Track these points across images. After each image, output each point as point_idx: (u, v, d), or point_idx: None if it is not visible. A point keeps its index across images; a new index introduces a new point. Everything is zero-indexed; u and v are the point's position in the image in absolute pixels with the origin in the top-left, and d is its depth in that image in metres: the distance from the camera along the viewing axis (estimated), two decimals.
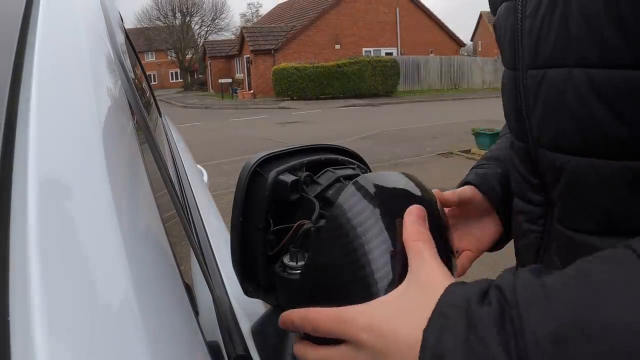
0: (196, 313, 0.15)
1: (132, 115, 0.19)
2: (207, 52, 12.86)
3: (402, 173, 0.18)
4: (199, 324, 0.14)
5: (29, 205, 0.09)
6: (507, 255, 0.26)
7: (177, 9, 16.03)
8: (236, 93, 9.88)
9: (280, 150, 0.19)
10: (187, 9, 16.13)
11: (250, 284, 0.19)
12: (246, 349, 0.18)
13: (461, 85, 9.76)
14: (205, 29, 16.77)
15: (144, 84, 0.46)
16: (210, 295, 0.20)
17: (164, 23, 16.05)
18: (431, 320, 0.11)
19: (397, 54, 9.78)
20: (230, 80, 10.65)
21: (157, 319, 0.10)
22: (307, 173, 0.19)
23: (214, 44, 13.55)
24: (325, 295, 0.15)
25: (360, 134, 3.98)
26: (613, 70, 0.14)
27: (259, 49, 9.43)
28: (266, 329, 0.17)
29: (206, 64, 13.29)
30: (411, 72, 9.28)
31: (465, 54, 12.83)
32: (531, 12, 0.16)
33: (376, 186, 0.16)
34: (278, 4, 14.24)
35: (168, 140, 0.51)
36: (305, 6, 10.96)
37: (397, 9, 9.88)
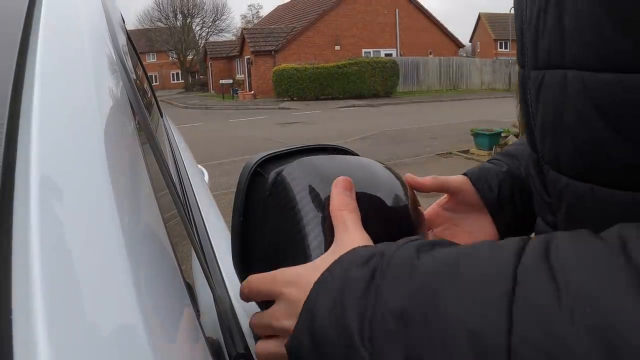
0: (197, 312, 0.15)
1: (134, 115, 0.19)
2: (208, 53, 12.90)
3: (377, 162, 0.18)
4: (200, 322, 0.14)
5: (31, 205, 0.10)
6: None
7: (178, 10, 16.10)
8: (237, 94, 9.91)
9: (281, 151, 0.19)
10: (188, 10, 16.20)
11: None
12: (247, 347, 0.18)
13: (460, 86, 9.76)
14: (206, 30, 16.85)
15: (146, 85, 0.47)
16: (211, 294, 0.20)
17: (165, 24, 16.11)
18: (320, 276, 0.11)
19: (397, 55, 9.82)
20: (231, 81, 10.69)
21: (158, 318, 0.10)
22: None
23: (214, 45, 13.61)
24: (275, 259, 0.15)
25: (360, 135, 3.98)
26: (610, 74, 0.11)
27: (259, 50, 9.47)
28: None
29: (207, 64, 13.35)
30: (410, 73, 9.30)
31: (464, 55, 12.76)
32: (530, 3, 0.14)
33: (322, 165, 0.17)
34: (278, 6, 14.37)
35: (169, 141, 0.51)
36: (305, 8, 10.99)
37: (397, 10, 9.92)
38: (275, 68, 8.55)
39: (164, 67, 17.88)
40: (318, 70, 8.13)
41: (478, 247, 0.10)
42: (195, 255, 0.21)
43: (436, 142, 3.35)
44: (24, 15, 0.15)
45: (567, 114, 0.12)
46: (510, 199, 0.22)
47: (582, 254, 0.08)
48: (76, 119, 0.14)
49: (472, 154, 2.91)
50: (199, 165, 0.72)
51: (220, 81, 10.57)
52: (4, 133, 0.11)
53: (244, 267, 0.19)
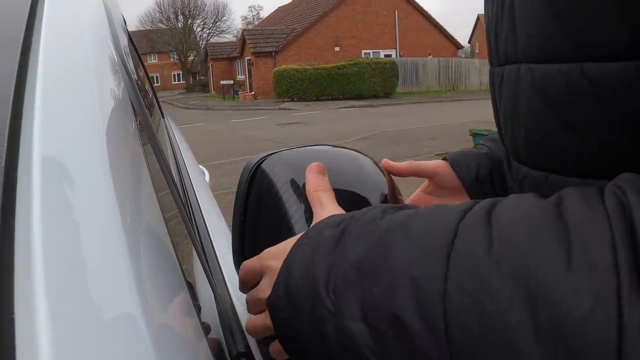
0: (198, 310, 0.15)
1: (135, 116, 0.19)
2: (209, 54, 12.93)
3: (357, 152, 0.19)
4: (200, 321, 0.14)
5: (33, 205, 0.10)
6: None
7: (179, 11, 16.16)
8: (237, 94, 9.95)
9: (281, 151, 0.20)
10: (189, 11, 16.25)
11: None
12: (247, 346, 0.18)
13: (459, 86, 9.79)
14: (207, 32, 16.93)
15: (147, 86, 0.47)
16: (212, 293, 0.20)
17: (166, 25, 16.17)
18: (298, 240, 0.12)
19: (396, 56, 9.84)
20: (231, 81, 10.73)
21: (159, 317, 0.10)
22: None
23: (215, 46, 13.64)
24: (265, 240, 0.16)
25: (360, 135, 3.99)
26: (552, 64, 0.11)
27: (260, 51, 9.50)
28: None
29: (208, 65, 13.39)
30: (410, 74, 9.33)
31: (463, 55, 12.77)
32: (491, 4, 0.15)
33: (298, 157, 0.18)
34: (279, 7, 14.33)
35: (170, 141, 0.51)
36: (305, 9, 11.03)
37: (396, 11, 9.95)
38: (275, 69, 8.58)
39: (165, 68, 17.94)
40: (318, 71, 8.16)
41: (435, 207, 0.10)
42: (196, 255, 0.21)
43: (435, 142, 3.34)
44: (27, 16, 0.15)
45: (521, 106, 0.13)
46: (489, 180, 0.22)
47: (519, 209, 0.09)
48: (78, 120, 0.14)
49: None
50: (200, 166, 0.72)
51: (221, 82, 10.60)
52: (7, 133, 0.11)
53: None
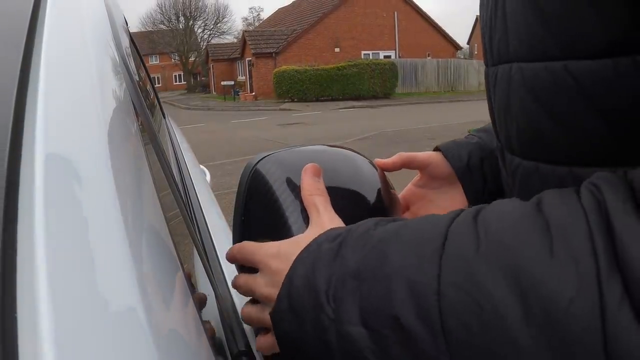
0: (199, 310, 0.15)
1: (137, 116, 0.20)
2: (210, 55, 12.99)
3: (350, 150, 0.20)
4: (202, 320, 0.14)
5: (35, 204, 0.10)
6: None
7: (180, 13, 16.20)
8: (238, 95, 9.97)
9: (279, 152, 0.20)
10: (190, 13, 16.32)
11: None
12: (248, 345, 0.18)
13: (458, 87, 9.81)
14: (208, 33, 16.99)
15: (148, 86, 0.47)
16: (213, 293, 0.20)
17: (167, 27, 16.22)
18: (299, 253, 0.13)
19: (395, 57, 9.87)
20: (232, 82, 10.72)
21: (161, 316, 0.10)
22: None
23: (216, 47, 13.69)
24: (264, 240, 0.17)
25: (360, 135, 3.99)
26: (540, 63, 0.12)
27: (260, 52, 9.54)
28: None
29: (209, 66, 13.43)
30: (409, 75, 9.35)
31: (462, 56, 12.75)
32: (485, 7, 0.16)
33: (294, 158, 0.19)
34: (279, 8, 14.36)
35: (172, 141, 0.52)
36: (305, 10, 11.08)
37: (395, 13, 9.99)
38: (276, 70, 8.60)
39: (167, 69, 18.02)
40: (318, 72, 8.18)
41: (424, 217, 0.11)
42: (197, 254, 0.21)
43: (435, 142, 3.26)
44: (29, 18, 0.15)
45: (513, 103, 0.14)
46: (479, 168, 0.22)
47: (503, 211, 0.10)
48: (80, 120, 0.14)
49: None
50: (201, 166, 0.72)
51: (222, 83, 10.64)
52: (9, 133, 0.11)
53: (245, 265, 0.19)
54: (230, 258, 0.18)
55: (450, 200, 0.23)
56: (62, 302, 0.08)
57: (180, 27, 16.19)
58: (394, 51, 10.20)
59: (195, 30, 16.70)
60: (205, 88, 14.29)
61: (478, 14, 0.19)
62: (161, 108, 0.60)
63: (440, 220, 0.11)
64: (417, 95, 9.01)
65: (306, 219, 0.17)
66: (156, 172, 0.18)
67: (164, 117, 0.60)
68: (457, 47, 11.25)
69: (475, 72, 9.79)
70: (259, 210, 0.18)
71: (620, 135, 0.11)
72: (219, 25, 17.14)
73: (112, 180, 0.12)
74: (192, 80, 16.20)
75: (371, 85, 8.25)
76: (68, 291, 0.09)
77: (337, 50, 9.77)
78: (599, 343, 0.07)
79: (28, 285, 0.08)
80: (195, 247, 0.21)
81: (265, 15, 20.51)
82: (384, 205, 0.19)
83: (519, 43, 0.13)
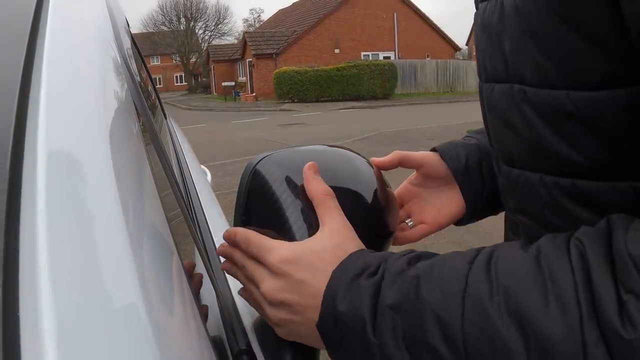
0: (200, 309, 0.15)
1: (138, 117, 0.20)
2: (211, 56, 13.02)
3: (345, 149, 0.20)
4: (202, 319, 0.14)
5: (37, 204, 0.10)
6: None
7: (181, 14, 16.23)
8: (239, 96, 10.00)
9: (279, 152, 0.20)
10: (191, 14, 16.37)
11: None
12: (248, 344, 0.18)
13: (457, 88, 9.83)
14: (209, 34, 17.03)
15: (150, 87, 0.47)
16: (214, 292, 0.20)
17: (168, 28, 16.27)
18: (330, 282, 0.15)
19: (395, 58, 9.89)
20: (233, 83, 10.75)
21: (162, 315, 0.10)
22: None
23: (217, 48, 13.74)
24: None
25: (359, 135, 3.95)
26: (546, 90, 0.14)
27: (261, 53, 9.56)
28: (267, 325, 0.17)
29: (210, 67, 13.46)
30: (408, 76, 9.37)
31: (461, 57, 12.81)
32: (479, 25, 0.17)
33: (293, 157, 0.19)
34: (279, 10, 14.39)
35: (173, 141, 0.52)
36: (305, 12, 11.10)
37: (395, 14, 10.02)
38: (276, 71, 8.62)
39: (168, 70, 18.06)
40: (318, 72, 8.19)
41: (446, 258, 0.14)
42: (198, 253, 0.21)
43: (434, 142, 3.26)
44: (31, 19, 0.16)
45: (516, 118, 0.15)
46: (478, 169, 0.23)
47: (510, 262, 0.13)
48: (82, 120, 0.14)
49: None
50: (202, 166, 0.72)
51: (223, 83, 10.64)
52: (11, 133, 0.11)
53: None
54: (227, 239, 0.18)
55: (446, 201, 0.24)
56: (64, 301, 0.08)
57: (182, 28, 16.23)
58: (393, 52, 10.23)
59: (196, 31, 16.76)
60: (206, 89, 14.32)
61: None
62: (162, 108, 0.60)
63: (460, 264, 0.13)
64: (417, 95, 9.02)
65: (306, 219, 0.17)
66: (157, 172, 0.18)
67: (165, 118, 0.60)
68: (456, 48, 11.26)
69: (473, 73, 9.78)
70: (259, 210, 0.18)
71: (619, 155, 0.13)
72: (219, 26, 17.26)
73: (114, 180, 0.12)
74: (193, 81, 16.23)
75: (371, 86, 8.27)
76: (70, 290, 0.09)
77: (337, 51, 9.79)
78: None
79: (30, 284, 0.08)
80: (196, 246, 0.21)
81: (265, 16, 20.58)
82: (381, 203, 0.20)
83: (519, 67, 0.15)
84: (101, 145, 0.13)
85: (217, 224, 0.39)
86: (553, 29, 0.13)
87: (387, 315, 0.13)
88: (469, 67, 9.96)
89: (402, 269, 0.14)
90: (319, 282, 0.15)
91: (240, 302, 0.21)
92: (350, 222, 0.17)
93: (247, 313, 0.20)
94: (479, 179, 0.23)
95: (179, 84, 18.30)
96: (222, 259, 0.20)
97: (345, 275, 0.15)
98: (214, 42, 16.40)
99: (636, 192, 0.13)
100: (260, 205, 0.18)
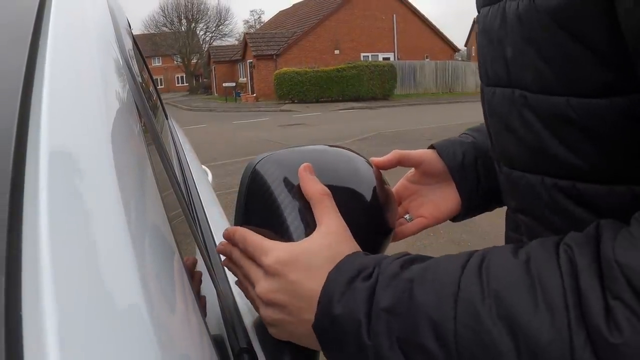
0: (201, 308, 0.15)
1: (140, 117, 0.20)
2: (212, 57, 13.04)
3: (346, 150, 0.21)
4: (204, 318, 0.14)
5: (40, 204, 0.10)
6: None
7: (182, 15, 16.26)
8: (239, 96, 10.02)
9: (278, 152, 0.20)
10: (192, 15, 16.39)
11: None
12: (249, 343, 0.18)
13: (456, 89, 9.84)
14: (210, 35, 17.06)
15: (151, 88, 0.47)
16: (215, 291, 0.20)
17: (170, 29, 16.31)
18: (326, 284, 0.15)
19: (394, 59, 9.91)
20: (233, 84, 10.78)
21: (164, 314, 0.10)
22: None
23: (218, 49, 13.79)
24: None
25: (359, 136, 3.92)
26: (546, 96, 0.14)
27: (261, 54, 9.59)
28: None
29: (211, 68, 13.48)
30: (407, 76, 9.39)
31: (460, 58, 12.88)
32: (481, 29, 0.18)
33: (293, 157, 0.19)
34: (280, 11, 14.43)
35: (174, 142, 0.52)
36: (305, 13, 11.14)
37: (394, 15, 10.04)
38: (276, 71, 8.64)
39: (169, 71, 18.09)
40: (318, 73, 8.21)
41: (439, 261, 0.14)
42: (199, 253, 0.21)
43: (433, 142, 3.33)
44: (33, 21, 0.16)
45: (516, 122, 0.16)
46: (474, 167, 0.24)
47: (500, 267, 0.13)
48: (84, 121, 0.14)
49: None
50: (203, 166, 0.72)
51: (224, 84, 10.65)
52: (14, 134, 0.11)
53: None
54: (227, 238, 0.19)
55: (443, 198, 0.24)
56: (67, 300, 0.08)
57: (183, 29, 16.25)
58: (392, 53, 10.25)
59: (198, 32, 16.81)
60: (207, 89, 14.33)
61: (475, 16, 0.20)
62: (164, 109, 0.61)
63: (452, 268, 0.14)
64: (416, 96, 9.02)
65: (304, 220, 0.17)
66: (159, 172, 0.18)
67: (167, 118, 0.60)
68: (454, 49, 11.27)
69: (472, 74, 9.81)
70: (259, 210, 0.18)
71: (617, 159, 0.14)
72: (220, 27, 17.28)
73: (116, 180, 0.12)
74: (194, 81, 16.25)
75: (370, 86, 8.28)
76: (72, 289, 0.09)
77: (336, 52, 9.82)
78: None
79: (33, 283, 0.08)
80: (197, 245, 0.22)
81: (266, 17, 20.54)
82: (380, 202, 0.20)
83: (520, 74, 0.15)
84: (103, 145, 0.13)
85: (218, 223, 0.39)
86: (553, 37, 0.13)
87: (382, 317, 0.14)
88: (467, 68, 9.96)
89: (396, 272, 0.14)
90: (313, 283, 0.15)
91: (241, 301, 0.21)
92: (351, 221, 0.17)
93: (247, 312, 0.20)
94: (474, 176, 0.23)
95: (180, 84, 18.32)
96: (223, 259, 0.20)
97: (341, 277, 0.15)
98: (215, 43, 16.46)
99: (634, 195, 0.13)
100: (260, 205, 0.18)
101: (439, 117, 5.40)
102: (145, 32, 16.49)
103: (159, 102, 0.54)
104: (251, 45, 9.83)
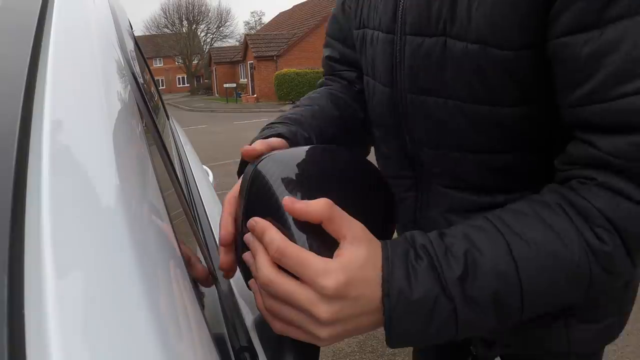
0: (202, 307, 0.15)
1: (141, 118, 0.20)
2: (213, 58, 13.11)
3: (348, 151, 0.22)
4: (204, 317, 0.14)
5: (42, 204, 0.10)
6: None
7: (183, 17, 16.34)
8: (240, 97, 10.13)
9: (277, 152, 0.20)
10: (193, 17, 16.45)
11: None
12: (249, 341, 0.18)
13: None
14: (211, 36, 17.13)
15: (153, 89, 0.48)
16: (215, 290, 0.20)
17: (171, 30, 16.41)
18: (386, 281, 0.17)
19: None
20: (234, 85, 10.85)
21: (165, 312, 0.10)
22: None
23: (219, 50, 13.87)
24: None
25: None
26: (476, 105, 0.21)
27: (262, 55, 9.63)
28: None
29: (212, 69, 13.57)
30: None
31: None
32: (413, 49, 0.22)
33: (293, 157, 0.19)
34: (280, 12, 14.48)
35: (175, 142, 0.52)
36: (306, 14, 11.17)
37: None
38: (277, 72, 8.68)
39: (170, 72, 18.17)
40: (318, 74, 8.26)
41: (469, 232, 0.19)
42: (200, 252, 0.21)
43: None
44: (36, 22, 0.16)
45: (449, 123, 0.23)
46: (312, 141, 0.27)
47: (523, 223, 0.19)
48: (86, 121, 0.14)
49: None
50: (204, 166, 0.72)
51: (224, 85, 10.70)
52: (17, 134, 0.11)
53: (246, 264, 0.19)
54: (254, 227, 0.18)
55: None
56: (69, 299, 0.08)
57: (184, 30, 16.32)
58: None
59: (199, 33, 16.84)
60: (208, 90, 14.42)
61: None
62: (165, 110, 0.61)
63: (493, 233, 0.18)
64: None
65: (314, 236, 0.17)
66: (160, 171, 0.18)
67: (168, 119, 0.60)
68: None
69: None
70: (259, 211, 0.18)
71: (516, 139, 0.22)
72: (221, 29, 17.32)
73: (117, 180, 0.12)
74: (195, 82, 16.30)
75: None
76: (74, 288, 0.09)
77: None
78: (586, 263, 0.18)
79: (35, 282, 0.08)
80: (198, 245, 0.22)
81: (266, 19, 20.82)
82: (384, 192, 0.21)
83: (458, 89, 0.22)
84: (105, 146, 0.13)
85: (219, 222, 0.39)
86: (493, 73, 0.20)
87: (456, 284, 0.17)
88: None
89: (444, 246, 0.18)
90: (373, 289, 0.17)
91: (242, 300, 0.21)
92: (363, 217, 0.17)
93: (248, 311, 0.20)
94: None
95: (181, 85, 18.41)
96: (222, 257, 0.19)
97: (398, 270, 0.17)
98: (215, 45, 16.54)
99: (528, 161, 0.22)
100: (260, 205, 0.18)
101: None
102: (147, 33, 16.61)
103: (160, 103, 0.54)
104: (252, 46, 9.85)
